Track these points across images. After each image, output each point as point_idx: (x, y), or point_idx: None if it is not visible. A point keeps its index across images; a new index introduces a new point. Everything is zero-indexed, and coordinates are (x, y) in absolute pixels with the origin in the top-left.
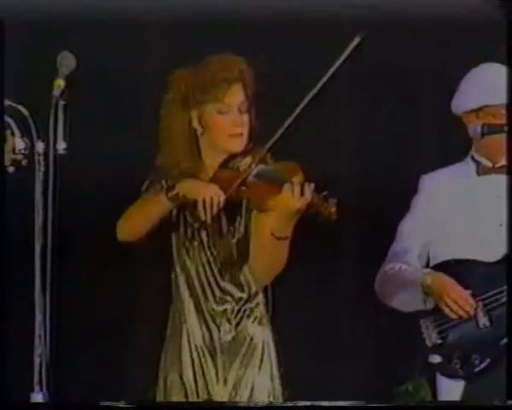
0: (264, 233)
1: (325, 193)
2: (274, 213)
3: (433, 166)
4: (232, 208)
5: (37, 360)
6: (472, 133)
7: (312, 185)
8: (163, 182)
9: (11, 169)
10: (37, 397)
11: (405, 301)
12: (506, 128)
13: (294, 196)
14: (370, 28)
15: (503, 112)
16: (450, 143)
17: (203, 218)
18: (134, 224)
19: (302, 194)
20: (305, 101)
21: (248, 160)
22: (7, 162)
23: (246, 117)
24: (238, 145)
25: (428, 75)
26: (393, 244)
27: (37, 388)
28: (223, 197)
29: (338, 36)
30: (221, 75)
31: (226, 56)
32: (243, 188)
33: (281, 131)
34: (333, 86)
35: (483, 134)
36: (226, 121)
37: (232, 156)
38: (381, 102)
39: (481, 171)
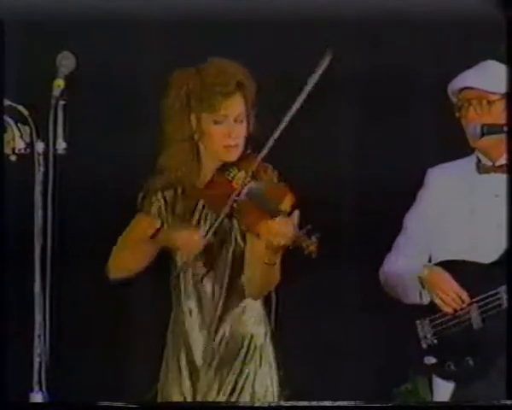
0: (254, 254)
1: (309, 227)
2: (262, 240)
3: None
4: (227, 222)
5: (36, 360)
6: (471, 133)
7: (296, 215)
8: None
9: (13, 158)
10: (37, 397)
11: (405, 293)
12: (506, 128)
13: (279, 232)
14: (370, 28)
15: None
16: (450, 143)
17: (184, 260)
18: (125, 265)
19: (286, 229)
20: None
21: (242, 173)
22: (7, 151)
23: (242, 127)
24: (232, 156)
25: (428, 75)
26: (398, 236)
27: (36, 388)
28: (202, 241)
29: (338, 36)
30: (218, 89)
31: (226, 65)
32: (235, 205)
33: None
34: (333, 87)
35: (482, 134)
36: (221, 132)
37: (228, 163)
38: (381, 102)
39: (482, 169)
